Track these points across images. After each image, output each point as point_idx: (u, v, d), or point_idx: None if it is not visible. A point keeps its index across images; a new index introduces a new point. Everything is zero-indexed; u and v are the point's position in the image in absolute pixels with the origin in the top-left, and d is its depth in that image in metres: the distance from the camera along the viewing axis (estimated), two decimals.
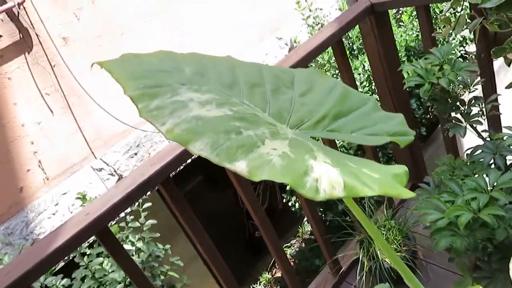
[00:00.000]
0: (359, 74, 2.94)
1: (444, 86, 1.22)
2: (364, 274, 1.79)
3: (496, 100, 1.34)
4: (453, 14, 2.93)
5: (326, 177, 0.49)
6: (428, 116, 3.19)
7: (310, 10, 3.34)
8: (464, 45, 3.31)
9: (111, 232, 1.28)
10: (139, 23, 2.70)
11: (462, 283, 1.23)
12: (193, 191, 3.93)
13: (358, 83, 2.92)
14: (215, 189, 4.15)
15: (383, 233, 1.85)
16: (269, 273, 4.09)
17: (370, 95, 2.81)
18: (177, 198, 1.39)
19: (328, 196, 0.48)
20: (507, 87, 1.47)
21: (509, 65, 1.52)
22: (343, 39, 3.30)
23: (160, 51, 0.70)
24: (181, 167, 2.72)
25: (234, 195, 4.29)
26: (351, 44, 3.32)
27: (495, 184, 0.96)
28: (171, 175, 1.39)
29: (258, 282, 4.02)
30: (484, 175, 1.06)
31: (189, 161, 2.21)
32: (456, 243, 0.91)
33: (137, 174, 1.32)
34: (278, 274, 4.05)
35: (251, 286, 3.93)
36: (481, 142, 1.37)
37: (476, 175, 1.13)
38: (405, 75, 2.03)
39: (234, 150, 0.50)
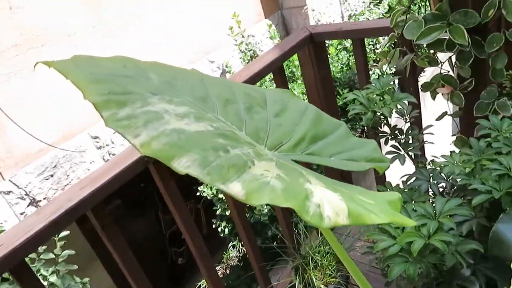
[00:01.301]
0: None
1: (386, 114, 1.27)
2: None
3: (426, 128, 1.43)
4: (388, 49, 3.16)
5: (328, 203, 0.45)
6: None
7: (243, 36, 3.38)
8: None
9: (29, 267, 1.10)
10: (64, 34, 2.49)
11: None
12: (112, 216, 3.66)
13: None
14: (135, 214, 3.91)
15: (318, 259, 1.86)
16: None
17: None
18: (108, 225, 1.26)
19: (333, 224, 0.44)
20: (438, 119, 1.58)
21: (434, 99, 1.65)
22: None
23: (119, 56, 0.62)
24: None
25: (157, 221, 4.08)
26: None
27: (441, 210, 0.99)
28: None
29: None
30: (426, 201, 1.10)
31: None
32: (409, 269, 0.92)
33: (63, 199, 1.17)
34: None
35: None
36: (409, 170, 1.43)
37: (414, 202, 1.18)
38: (339, 101, 2.11)
39: (226, 169, 0.44)
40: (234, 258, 4.05)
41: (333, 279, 1.80)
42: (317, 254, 1.88)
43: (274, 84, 1.96)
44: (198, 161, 0.44)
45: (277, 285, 1.96)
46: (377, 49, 3.55)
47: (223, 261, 4.19)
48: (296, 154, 0.62)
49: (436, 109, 1.60)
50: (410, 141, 1.40)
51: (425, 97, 1.83)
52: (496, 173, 1.06)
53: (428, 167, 1.47)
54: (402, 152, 1.36)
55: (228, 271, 4.06)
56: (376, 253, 1.18)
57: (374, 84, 1.40)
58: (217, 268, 4.15)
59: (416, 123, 1.71)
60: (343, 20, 4.11)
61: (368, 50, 3.44)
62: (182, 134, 0.47)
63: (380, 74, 3.20)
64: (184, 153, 0.44)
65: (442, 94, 1.56)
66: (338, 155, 0.65)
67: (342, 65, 3.40)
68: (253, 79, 1.62)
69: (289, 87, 3.19)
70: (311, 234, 2.04)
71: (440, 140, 1.60)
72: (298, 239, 1.97)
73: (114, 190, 1.25)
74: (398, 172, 1.44)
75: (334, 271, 1.83)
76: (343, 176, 2.15)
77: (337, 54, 3.48)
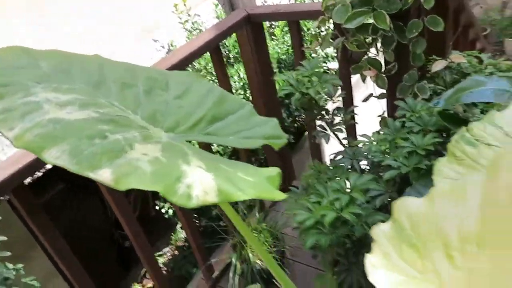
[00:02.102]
0: (235, 82, 3.02)
1: (313, 95, 1.32)
2: (237, 277, 1.82)
3: (352, 111, 1.50)
4: (318, 33, 3.22)
5: (199, 183, 0.47)
6: (296, 125, 3.43)
7: (189, 15, 3.33)
8: (327, 61, 3.67)
9: None
10: None
11: (323, 277, 1.34)
12: (55, 201, 3.54)
13: (234, 91, 2.99)
14: (80, 198, 3.81)
15: (255, 236, 1.91)
16: (140, 284, 3.90)
17: None
18: (33, 209, 1.22)
19: (201, 203, 0.46)
20: (364, 100, 1.66)
21: (364, 81, 1.73)
22: (221, 47, 3.35)
23: (13, 46, 0.61)
24: (40, 174, 2.43)
25: (102, 204, 3.99)
26: (227, 53, 3.40)
27: (354, 185, 1.06)
28: (26, 182, 1.22)
29: None
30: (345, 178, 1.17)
31: (49, 166, 1.98)
32: (321, 240, 0.98)
33: None
34: (150, 285, 3.89)
35: None
36: (341, 148, 1.51)
37: (338, 178, 1.25)
38: (277, 85, 2.15)
39: (99, 157, 0.45)
40: (182, 239, 4.07)
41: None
42: (254, 231, 1.93)
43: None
44: (68, 151, 0.44)
45: (216, 262, 2.00)
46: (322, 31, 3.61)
47: (171, 243, 4.19)
48: (193, 135, 0.64)
49: (379, 91, 1.67)
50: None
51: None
52: (405, 150, 1.14)
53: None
54: (329, 131, 1.42)
55: (177, 252, 4.08)
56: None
57: (304, 66, 1.44)
58: (165, 250, 4.15)
59: (347, 104, 1.79)
60: (289, 1, 4.14)
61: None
62: (59, 124, 0.47)
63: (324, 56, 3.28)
64: (55, 144, 0.44)
65: (370, 77, 1.63)
66: (238, 134, 0.67)
67: (288, 47, 3.44)
68: (190, 58, 1.62)
69: (235, 67, 3.20)
70: (250, 213, 2.09)
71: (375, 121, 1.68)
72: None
73: (40, 170, 1.22)
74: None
75: (271, 247, 1.89)
76: (282, 156, 2.21)
77: (283, 36, 3.51)
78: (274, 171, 0.56)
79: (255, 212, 2.04)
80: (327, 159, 1.88)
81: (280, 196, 0.51)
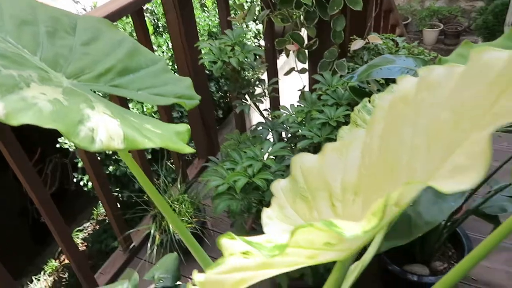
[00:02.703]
0: (163, 52, 2.92)
1: (234, 65, 1.32)
2: (156, 247, 1.81)
3: (276, 83, 1.53)
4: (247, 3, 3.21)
5: (104, 128, 0.45)
6: (225, 100, 3.42)
7: None
8: (259, 38, 3.68)
9: None
10: None
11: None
12: None
13: None
14: None
15: (176, 207, 1.90)
16: (57, 260, 3.73)
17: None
18: None
19: (106, 147, 0.44)
20: (285, 74, 1.70)
21: (287, 56, 1.76)
22: (149, 15, 3.21)
23: None
24: None
25: (14, 178, 3.72)
26: (156, 21, 3.27)
27: (267, 153, 1.09)
28: None
29: (43, 272, 3.61)
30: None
31: None
32: (233, 205, 1.00)
33: None
34: (68, 261, 3.73)
35: (32, 278, 3.50)
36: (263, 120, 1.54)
37: (254, 147, 1.27)
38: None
39: None
40: (104, 214, 3.94)
41: (189, 225, 1.88)
42: (175, 202, 1.92)
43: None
44: None
45: (135, 233, 1.97)
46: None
47: (92, 218, 4.04)
48: (98, 85, 0.61)
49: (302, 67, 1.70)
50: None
51: None
52: (319, 122, 1.19)
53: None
54: (249, 102, 1.44)
55: (98, 227, 3.94)
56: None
57: (227, 35, 1.43)
58: (86, 224, 4.00)
59: (271, 77, 1.82)
60: None
61: None
62: None
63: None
64: None
65: (293, 51, 1.67)
66: (148, 89, 0.65)
67: (219, 19, 3.38)
68: (110, 18, 1.53)
69: (165, 37, 3.09)
70: (173, 185, 2.07)
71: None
72: (159, 190, 1.98)
73: None
74: None
75: (191, 217, 1.90)
76: (208, 129, 2.21)
77: (214, 8, 3.45)
78: (183, 127, 0.56)
79: (178, 184, 2.02)
80: None
81: (188, 149, 0.51)
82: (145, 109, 2.59)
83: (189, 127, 0.57)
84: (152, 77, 0.69)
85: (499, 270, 1.67)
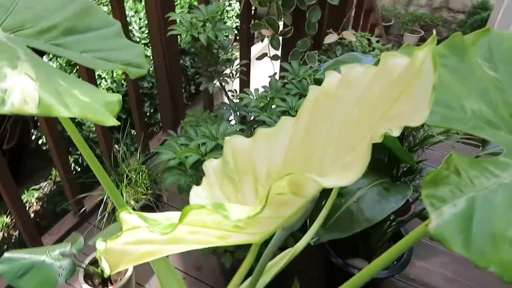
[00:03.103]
0: (140, 19, 2.85)
1: (203, 42, 1.30)
2: (107, 214, 1.80)
3: (246, 65, 1.53)
4: None
5: (20, 90, 0.44)
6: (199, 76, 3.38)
7: None
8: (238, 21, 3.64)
9: None
10: None
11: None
12: None
13: (137, 27, 2.83)
14: None
15: (133, 176, 1.89)
16: (8, 216, 3.64)
17: (146, 43, 2.78)
18: None
19: (17, 111, 0.43)
20: (258, 58, 1.69)
21: (262, 41, 1.75)
22: None
23: None
24: None
25: None
26: None
27: (222, 133, 1.09)
28: None
29: None
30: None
31: None
32: (181, 180, 1.00)
33: None
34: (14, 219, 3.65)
35: None
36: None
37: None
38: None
39: None
40: None
41: (144, 196, 1.87)
42: (133, 172, 1.91)
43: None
44: None
45: (89, 198, 1.94)
46: None
47: (51, 178, 3.95)
48: (38, 42, 0.59)
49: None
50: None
51: None
52: (280, 109, 1.20)
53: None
54: (215, 81, 1.43)
55: (55, 187, 3.86)
56: None
57: (200, 10, 1.41)
58: (43, 184, 3.91)
59: (243, 58, 1.81)
60: None
61: None
62: None
63: None
64: None
65: (267, 36, 1.66)
66: (94, 52, 0.64)
67: None
68: None
69: (143, 3, 3.01)
70: (132, 154, 2.05)
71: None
72: (117, 158, 1.96)
73: None
74: None
75: (147, 189, 1.89)
76: (175, 104, 2.18)
77: None
78: (114, 97, 0.54)
79: (138, 154, 2.00)
80: None
81: (111, 122, 0.49)
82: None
83: (120, 97, 0.55)
84: (101, 40, 0.67)
85: (437, 272, 1.75)
